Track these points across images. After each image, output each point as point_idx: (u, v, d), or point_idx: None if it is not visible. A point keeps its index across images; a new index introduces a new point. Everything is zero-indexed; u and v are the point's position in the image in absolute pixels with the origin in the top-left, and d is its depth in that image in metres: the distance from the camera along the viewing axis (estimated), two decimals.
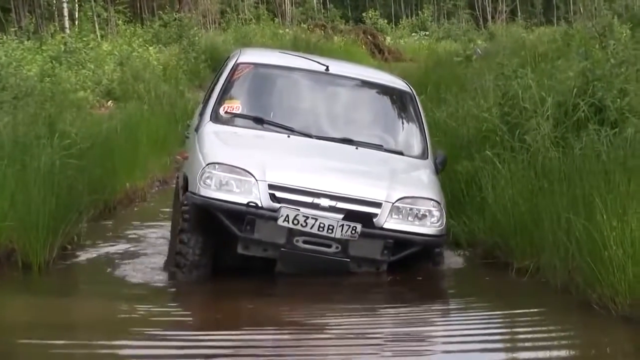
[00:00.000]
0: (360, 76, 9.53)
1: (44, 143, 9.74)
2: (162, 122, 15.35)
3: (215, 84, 9.20)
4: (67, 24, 27.52)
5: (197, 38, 28.70)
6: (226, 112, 8.82)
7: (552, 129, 9.60)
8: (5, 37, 19.79)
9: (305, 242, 7.82)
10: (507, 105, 10.43)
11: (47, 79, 15.98)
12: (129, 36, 26.36)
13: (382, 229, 7.91)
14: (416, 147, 8.97)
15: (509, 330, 7.25)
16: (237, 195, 7.84)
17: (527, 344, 6.82)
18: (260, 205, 7.79)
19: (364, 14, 52.45)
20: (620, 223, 7.21)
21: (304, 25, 42.54)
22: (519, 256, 8.57)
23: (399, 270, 8.13)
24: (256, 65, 9.30)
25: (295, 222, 7.72)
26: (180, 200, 8.50)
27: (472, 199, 9.70)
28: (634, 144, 8.61)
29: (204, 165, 7.98)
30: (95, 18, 30.00)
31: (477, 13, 55.71)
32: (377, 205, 7.93)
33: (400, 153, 8.83)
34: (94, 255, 9.53)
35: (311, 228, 7.73)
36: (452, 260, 8.99)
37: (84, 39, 22.89)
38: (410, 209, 8.02)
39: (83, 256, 9.39)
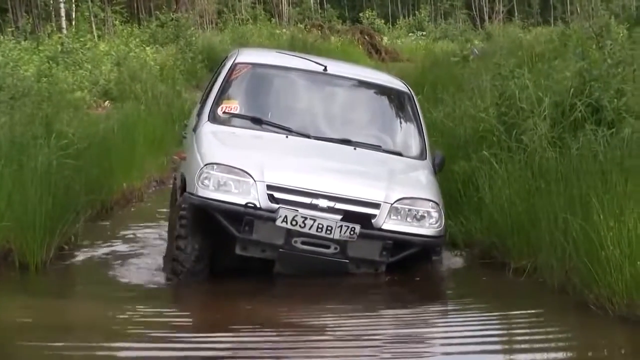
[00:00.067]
0: (358, 76, 9.53)
1: (41, 143, 9.73)
2: (159, 122, 15.33)
3: (213, 84, 9.19)
4: (64, 24, 27.48)
5: (194, 38, 28.71)
6: (224, 112, 8.80)
7: (549, 129, 9.60)
8: (2, 37, 19.80)
9: (303, 243, 7.81)
10: (504, 105, 10.44)
11: (44, 79, 15.96)
12: (126, 36, 26.35)
13: (380, 229, 7.90)
14: (414, 148, 8.96)
15: (507, 331, 7.25)
16: (235, 195, 7.83)
17: (525, 346, 6.81)
18: (258, 206, 7.78)
19: (361, 14, 52.43)
20: (617, 223, 7.22)
21: (301, 26, 42.51)
22: (516, 256, 8.57)
23: (397, 271, 8.12)
24: (254, 65, 9.29)
25: (294, 222, 7.71)
26: (178, 201, 8.49)
27: (469, 199, 9.70)
28: (631, 144, 8.61)
29: (202, 165, 7.97)
30: (92, 18, 29.96)
31: (474, 13, 55.70)
32: (376, 206, 7.93)
33: (399, 154, 8.82)
34: (91, 255, 9.53)
35: (310, 229, 7.72)
36: (450, 260, 9.00)
37: (81, 39, 22.90)
38: (409, 209, 8.01)
39: (80, 256, 9.38)
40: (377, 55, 39.48)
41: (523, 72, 10.85)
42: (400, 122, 9.31)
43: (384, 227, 7.92)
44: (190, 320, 7.63)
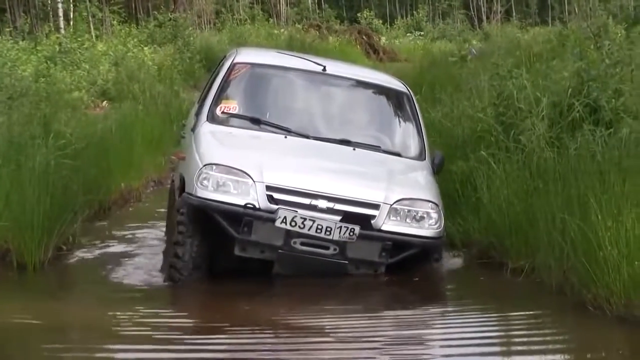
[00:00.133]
0: (357, 76, 9.51)
1: (38, 143, 9.73)
2: (157, 122, 15.33)
3: (212, 84, 9.16)
4: (62, 24, 27.50)
5: (192, 38, 28.71)
6: (223, 113, 8.78)
7: (547, 129, 9.60)
8: (0, 37, 19.77)
9: (302, 243, 7.78)
10: (502, 105, 10.44)
11: (42, 79, 15.96)
12: (123, 36, 26.35)
13: (380, 230, 7.89)
14: (413, 148, 8.95)
15: (505, 333, 7.24)
16: (234, 196, 7.81)
17: (523, 347, 6.79)
18: (257, 206, 7.76)
19: (358, 14, 52.43)
20: (615, 223, 7.21)
21: (299, 26, 42.53)
22: (514, 256, 8.57)
23: (395, 271, 8.10)
24: (253, 65, 9.27)
25: (293, 223, 7.69)
26: (176, 201, 8.48)
27: (467, 199, 9.70)
28: (629, 144, 8.61)
29: (201, 166, 7.95)
30: (90, 18, 29.98)
31: (472, 13, 55.76)
32: (375, 207, 7.91)
33: (398, 154, 8.80)
34: (89, 255, 9.52)
35: (309, 230, 7.70)
36: (448, 260, 8.98)
37: (79, 39, 22.89)
38: (409, 210, 7.99)
39: (78, 256, 9.38)
40: (375, 55, 39.50)
41: (521, 72, 10.85)
42: (400, 123, 9.29)
43: (384, 228, 7.90)
44: (189, 321, 7.60)
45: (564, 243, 7.74)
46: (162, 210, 10.72)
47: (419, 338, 7.19)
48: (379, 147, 8.77)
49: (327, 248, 7.82)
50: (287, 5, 50.56)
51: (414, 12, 56.28)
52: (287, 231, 7.72)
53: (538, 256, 8.22)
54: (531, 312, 7.52)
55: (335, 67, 9.47)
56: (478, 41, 34.62)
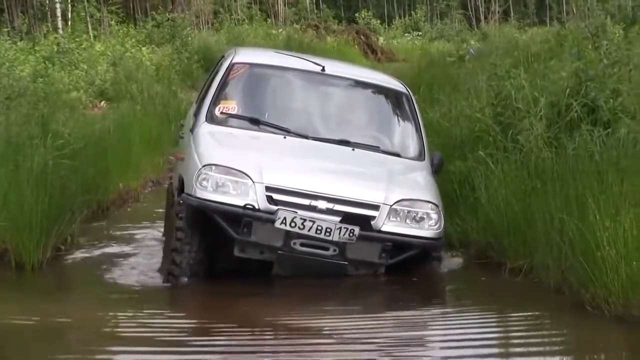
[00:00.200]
0: (356, 76, 9.49)
1: (36, 143, 9.73)
2: (155, 122, 15.32)
3: (210, 84, 9.14)
4: (60, 24, 27.50)
5: (190, 38, 28.70)
6: (222, 113, 8.76)
7: (545, 129, 9.60)
8: None
9: (302, 244, 7.76)
10: (500, 105, 10.44)
11: (40, 80, 15.97)
12: (121, 36, 26.33)
13: (380, 231, 7.87)
14: (413, 149, 8.93)
15: (504, 334, 7.23)
16: (233, 197, 7.79)
17: (521, 349, 6.78)
18: (257, 207, 7.74)
19: (356, 14, 52.42)
20: (613, 223, 7.21)
21: (297, 26, 42.53)
22: (512, 256, 8.57)
23: (394, 271, 8.09)
24: (252, 65, 9.24)
25: (293, 224, 7.67)
26: (175, 202, 8.46)
27: (465, 199, 9.70)
28: (627, 144, 8.61)
29: (200, 166, 7.93)
30: (88, 18, 29.97)
31: (470, 13, 55.74)
32: (375, 207, 7.90)
33: (397, 154, 8.78)
34: (87, 255, 9.52)
35: (309, 231, 7.68)
36: (446, 260, 8.97)
37: (77, 39, 22.89)
38: (408, 211, 7.98)
39: (76, 257, 9.38)
40: (373, 55, 39.49)
41: (519, 72, 10.85)
42: (399, 123, 9.27)
43: (383, 228, 7.89)
44: (188, 322, 7.57)
45: (562, 243, 7.74)
46: (161, 210, 10.71)
47: (419, 339, 7.18)
48: (378, 147, 8.76)
49: (327, 249, 7.81)
50: (285, 6, 50.55)
51: (412, 12, 56.27)
52: (287, 232, 7.71)
53: (536, 256, 8.22)
54: (529, 312, 7.53)
55: (334, 67, 9.45)
56: (476, 41, 34.62)
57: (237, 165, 7.89)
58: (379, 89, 9.41)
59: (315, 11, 53.74)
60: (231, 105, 8.82)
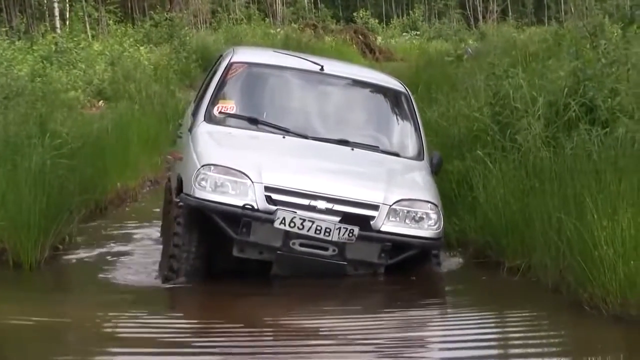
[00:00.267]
0: (355, 76, 9.47)
1: (35, 143, 9.73)
2: (153, 121, 15.32)
3: (209, 84, 9.11)
4: (58, 23, 27.49)
5: (188, 38, 28.73)
6: (220, 112, 8.73)
7: (543, 129, 9.60)
8: None
9: (301, 244, 7.75)
10: (498, 105, 10.44)
11: (38, 79, 15.98)
12: (120, 36, 26.36)
13: (379, 232, 7.85)
14: (412, 148, 8.92)
15: (502, 335, 7.21)
16: (232, 197, 7.77)
17: (519, 350, 6.77)
18: (256, 207, 7.72)
19: (354, 14, 52.44)
20: (610, 222, 7.21)
21: (295, 25, 42.51)
22: (510, 255, 8.57)
23: (393, 271, 8.08)
24: (250, 64, 9.21)
25: (292, 224, 7.66)
26: (174, 202, 8.45)
27: (464, 199, 9.70)
28: (625, 143, 8.61)
29: (198, 166, 7.91)
30: (86, 18, 29.97)
31: (468, 13, 55.74)
32: (375, 207, 7.88)
33: (396, 154, 8.76)
34: (86, 255, 9.52)
35: (308, 231, 7.66)
36: (445, 260, 8.96)
37: (75, 38, 22.91)
38: (408, 211, 7.96)
39: (74, 256, 9.37)
40: (371, 54, 39.47)
41: (517, 72, 10.85)
42: (398, 122, 9.26)
43: (383, 229, 7.87)
44: (186, 322, 7.55)
45: (560, 242, 7.74)
46: (159, 210, 10.71)
47: (418, 339, 7.16)
48: (377, 147, 8.74)
49: (326, 249, 7.79)
50: (283, 5, 50.55)
51: (410, 11, 56.29)
52: (286, 232, 7.69)
53: (534, 255, 8.22)
54: (527, 312, 7.52)
55: (333, 67, 9.42)
56: (474, 41, 34.60)
57: (236, 165, 7.87)
58: (378, 89, 9.39)
59: (314, 10, 53.74)
60: (230, 105, 8.80)
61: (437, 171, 8.88)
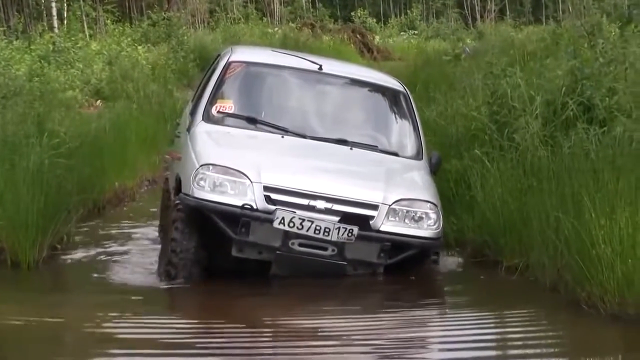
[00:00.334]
0: (354, 75, 9.47)
1: (32, 142, 9.71)
2: (151, 121, 15.31)
3: (207, 83, 9.10)
4: (55, 23, 27.43)
5: (185, 37, 28.73)
6: (218, 112, 8.73)
7: (541, 128, 9.60)
8: None
9: (301, 244, 7.74)
10: (496, 104, 10.45)
11: (35, 79, 15.94)
12: (117, 35, 26.33)
13: (378, 231, 7.85)
14: (411, 148, 8.92)
15: (500, 331, 7.23)
16: (231, 197, 7.76)
17: (518, 351, 6.77)
18: (255, 207, 7.71)
19: (352, 13, 52.42)
20: (608, 221, 7.22)
21: (293, 25, 42.50)
22: (508, 254, 8.58)
23: (392, 270, 8.08)
24: (248, 64, 9.21)
25: (291, 224, 7.65)
26: (172, 201, 8.44)
27: (461, 198, 9.71)
28: (623, 142, 8.61)
29: (197, 166, 7.91)
30: (84, 17, 29.92)
31: (466, 12, 55.72)
32: (374, 207, 7.87)
33: (395, 154, 8.77)
34: (84, 254, 9.51)
35: (307, 231, 7.66)
36: (442, 259, 8.96)
37: (73, 38, 22.89)
38: (407, 211, 7.96)
39: (72, 256, 9.36)
40: (369, 54, 39.46)
41: (515, 71, 10.86)
42: (396, 122, 9.25)
43: (382, 228, 7.87)
44: (185, 322, 7.52)
45: (558, 241, 7.75)
46: (157, 209, 10.71)
47: (417, 339, 7.16)
48: (376, 146, 8.74)
49: (326, 249, 7.79)
50: (280, 4, 50.52)
51: (408, 11, 56.25)
52: (285, 232, 7.69)
53: (532, 254, 8.23)
54: (525, 311, 7.52)
55: (331, 66, 9.41)
56: (472, 40, 34.57)
57: (235, 164, 7.86)
58: (376, 88, 9.39)
59: (311, 10, 53.70)
60: (228, 104, 8.79)
61: (436, 171, 8.88)
